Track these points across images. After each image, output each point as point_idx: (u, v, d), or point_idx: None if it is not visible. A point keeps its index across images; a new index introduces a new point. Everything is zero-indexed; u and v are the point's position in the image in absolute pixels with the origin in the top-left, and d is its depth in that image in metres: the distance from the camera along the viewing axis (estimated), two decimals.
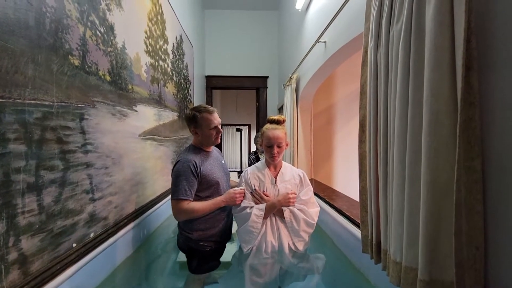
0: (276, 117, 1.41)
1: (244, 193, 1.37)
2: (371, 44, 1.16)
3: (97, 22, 1.38)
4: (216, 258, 1.47)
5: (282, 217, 1.32)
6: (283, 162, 1.45)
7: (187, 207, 1.31)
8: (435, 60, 0.78)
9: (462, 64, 0.71)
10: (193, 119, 1.41)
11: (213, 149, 1.56)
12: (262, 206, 1.30)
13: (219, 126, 1.45)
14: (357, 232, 1.61)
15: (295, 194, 1.34)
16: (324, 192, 2.64)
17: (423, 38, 0.83)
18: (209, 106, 1.44)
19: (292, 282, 1.42)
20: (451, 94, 0.77)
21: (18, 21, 0.90)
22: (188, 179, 1.32)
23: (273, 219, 1.33)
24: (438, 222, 0.80)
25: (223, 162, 1.58)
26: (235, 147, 9.25)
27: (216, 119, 1.43)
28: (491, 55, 0.75)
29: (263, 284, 1.29)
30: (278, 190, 1.35)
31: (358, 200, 1.60)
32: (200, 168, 1.36)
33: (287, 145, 1.39)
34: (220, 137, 1.47)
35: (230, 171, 1.66)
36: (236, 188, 1.37)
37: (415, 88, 0.86)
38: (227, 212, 1.47)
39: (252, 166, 1.47)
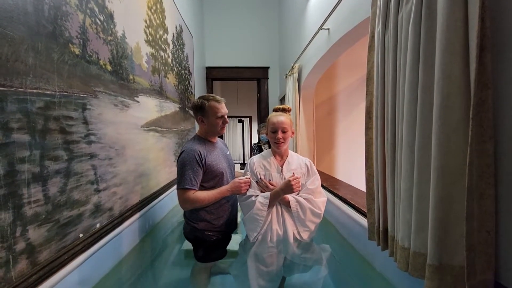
0: (281, 106, 1.40)
1: (250, 182, 1.36)
2: (378, 28, 1.13)
3: (97, 10, 1.35)
4: (222, 247, 1.48)
5: (288, 206, 1.31)
6: (290, 151, 1.43)
7: (193, 197, 1.31)
8: (447, 41, 0.75)
9: (477, 44, 0.69)
10: (201, 107, 1.40)
11: (218, 140, 1.55)
12: (267, 194, 1.29)
13: (226, 117, 1.44)
14: (361, 220, 1.61)
15: (298, 178, 1.30)
16: (327, 182, 2.64)
17: (434, 18, 0.81)
18: (217, 96, 1.43)
19: (297, 272, 1.42)
20: (463, 76, 0.75)
21: (16, 7, 0.88)
22: (193, 168, 1.31)
23: (279, 207, 1.32)
24: (448, 207, 0.79)
25: (227, 153, 1.57)
26: (236, 139, 9.24)
27: (223, 108, 1.43)
28: (506, 35, 0.72)
29: (267, 273, 1.30)
30: (284, 179, 1.34)
31: (361, 188, 1.59)
32: (205, 158, 1.35)
33: (293, 133, 1.37)
34: (225, 128, 1.47)
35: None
36: (241, 177, 1.37)
37: (426, 71, 0.84)
38: (231, 202, 1.47)
39: (258, 154, 1.45)
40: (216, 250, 1.45)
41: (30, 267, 0.92)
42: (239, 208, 1.52)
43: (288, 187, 1.26)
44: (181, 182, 1.32)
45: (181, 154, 1.37)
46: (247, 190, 1.35)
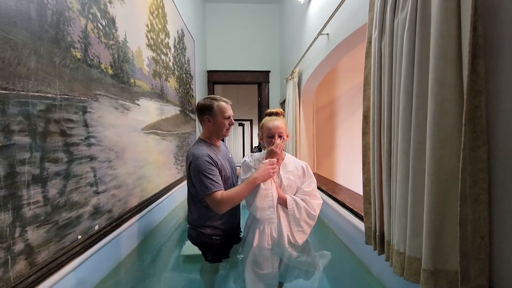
0: (274, 110, 1.40)
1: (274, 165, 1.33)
2: (375, 34, 1.14)
3: (99, 15, 1.38)
4: (228, 248, 1.49)
5: (284, 205, 1.31)
6: (286, 154, 1.44)
7: (223, 197, 1.27)
8: (441, 48, 0.77)
9: (469, 52, 0.70)
10: (210, 106, 1.39)
11: (221, 144, 1.55)
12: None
13: (232, 118, 1.44)
14: (359, 224, 1.61)
15: (273, 162, 1.29)
16: (327, 186, 2.64)
17: (428, 26, 0.82)
18: (224, 98, 1.44)
19: (294, 278, 1.41)
20: (457, 82, 0.76)
21: (20, 13, 0.90)
22: (211, 172, 1.29)
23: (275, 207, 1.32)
24: (442, 212, 0.80)
25: (230, 156, 1.57)
26: (237, 142, 9.26)
27: (230, 110, 1.43)
28: (498, 42, 0.73)
29: (264, 276, 1.30)
30: (282, 180, 1.35)
31: (360, 193, 1.60)
32: (216, 161, 1.35)
33: (287, 136, 1.38)
34: (230, 130, 1.47)
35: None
36: (264, 161, 1.31)
37: (420, 77, 0.85)
38: (236, 206, 1.46)
39: (255, 155, 1.45)
40: (223, 251, 1.46)
41: (28, 268, 0.93)
42: (241, 212, 1.53)
43: (265, 172, 1.26)
44: (205, 188, 1.27)
45: (191, 161, 1.32)
46: (275, 173, 1.32)
